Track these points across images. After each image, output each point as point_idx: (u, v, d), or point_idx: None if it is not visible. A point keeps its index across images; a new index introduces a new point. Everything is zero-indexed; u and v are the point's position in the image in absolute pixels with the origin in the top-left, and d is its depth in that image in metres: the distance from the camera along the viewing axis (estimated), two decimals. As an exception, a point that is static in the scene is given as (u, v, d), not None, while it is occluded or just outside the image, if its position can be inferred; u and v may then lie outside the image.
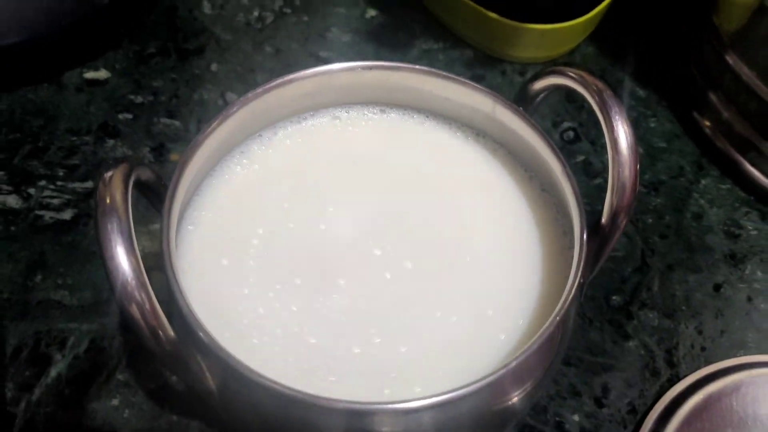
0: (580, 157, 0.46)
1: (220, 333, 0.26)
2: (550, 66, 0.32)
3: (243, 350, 0.26)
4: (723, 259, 0.43)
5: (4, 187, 0.43)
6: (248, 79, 0.48)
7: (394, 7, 0.52)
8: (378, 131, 0.35)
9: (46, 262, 0.40)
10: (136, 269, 0.24)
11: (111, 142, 0.45)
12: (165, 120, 0.46)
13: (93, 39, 0.48)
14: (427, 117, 0.36)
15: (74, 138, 0.45)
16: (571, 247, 0.30)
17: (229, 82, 0.48)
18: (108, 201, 0.25)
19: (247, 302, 0.30)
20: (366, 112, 0.35)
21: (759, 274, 0.42)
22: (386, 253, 0.31)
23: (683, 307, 0.41)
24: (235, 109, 0.31)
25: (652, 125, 0.48)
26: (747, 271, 0.42)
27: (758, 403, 0.36)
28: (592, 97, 0.29)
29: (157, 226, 0.39)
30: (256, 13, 0.51)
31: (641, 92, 0.49)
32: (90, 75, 0.47)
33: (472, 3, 0.47)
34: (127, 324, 0.30)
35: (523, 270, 0.32)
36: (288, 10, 0.51)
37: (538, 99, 0.33)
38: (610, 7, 0.49)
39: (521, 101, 0.33)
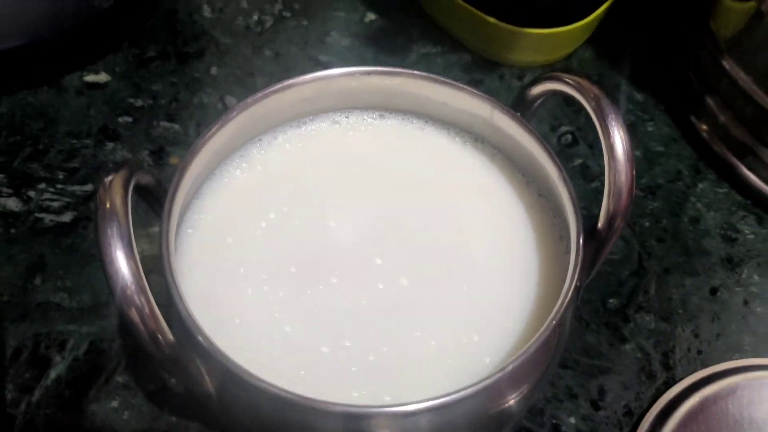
0: (578, 161, 0.46)
1: (218, 336, 0.27)
2: (548, 70, 0.32)
3: (242, 354, 0.26)
4: (720, 263, 0.43)
5: (4, 189, 0.43)
6: (248, 83, 0.48)
7: (394, 11, 0.52)
8: (377, 136, 0.35)
9: (46, 264, 0.40)
10: (135, 273, 0.24)
11: (111, 145, 0.45)
12: (165, 123, 0.46)
13: (93, 42, 0.48)
14: (426, 122, 0.36)
15: (74, 141, 0.45)
16: (568, 252, 0.30)
17: (229, 85, 0.48)
18: (108, 206, 0.25)
19: (247, 305, 0.30)
20: (365, 117, 0.36)
21: (755, 277, 0.42)
22: (385, 258, 0.31)
23: (680, 311, 0.41)
24: (234, 113, 0.31)
25: (650, 129, 0.48)
26: (743, 275, 0.42)
27: (754, 406, 0.36)
28: (589, 103, 0.29)
29: (156, 229, 0.40)
30: (255, 17, 0.51)
31: (639, 96, 0.49)
32: (90, 78, 0.48)
33: (470, 7, 0.47)
34: (126, 327, 0.31)
35: (520, 274, 0.32)
36: (287, 14, 0.52)
37: (536, 104, 0.33)
38: (607, 11, 0.49)
39: (519, 106, 0.34)
